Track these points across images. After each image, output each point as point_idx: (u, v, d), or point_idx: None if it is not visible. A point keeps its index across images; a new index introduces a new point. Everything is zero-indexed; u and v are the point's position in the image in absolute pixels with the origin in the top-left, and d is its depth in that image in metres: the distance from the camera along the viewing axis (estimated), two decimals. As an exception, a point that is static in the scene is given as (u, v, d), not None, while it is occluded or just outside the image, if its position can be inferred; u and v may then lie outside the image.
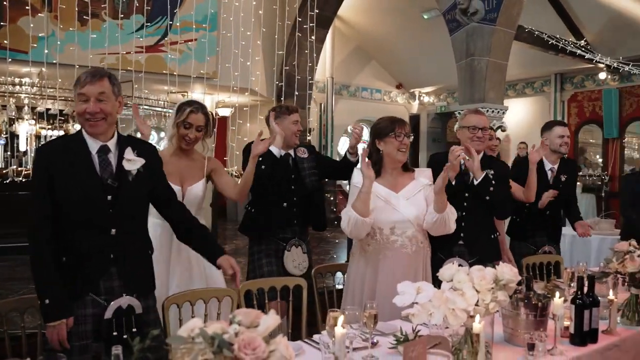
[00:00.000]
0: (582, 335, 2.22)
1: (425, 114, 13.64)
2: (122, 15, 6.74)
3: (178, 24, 7.69)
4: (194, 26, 7.84)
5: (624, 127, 10.10)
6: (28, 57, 6.11)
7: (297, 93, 8.33)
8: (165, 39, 8.05)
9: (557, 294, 2.14)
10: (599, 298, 2.29)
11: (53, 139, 3.02)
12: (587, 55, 8.69)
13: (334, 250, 7.50)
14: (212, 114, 10.06)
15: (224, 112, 9.97)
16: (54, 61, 6.07)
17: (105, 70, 2.26)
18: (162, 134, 12.25)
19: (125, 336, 2.14)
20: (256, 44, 8.32)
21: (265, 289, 2.89)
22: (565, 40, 8.74)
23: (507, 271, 1.96)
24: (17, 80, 7.19)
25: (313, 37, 6.52)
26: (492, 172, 3.13)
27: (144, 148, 2.33)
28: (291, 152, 3.49)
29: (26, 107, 7.60)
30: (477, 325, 1.81)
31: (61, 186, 2.12)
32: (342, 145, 12.23)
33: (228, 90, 7.57)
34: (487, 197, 3.07)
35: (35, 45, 6.28)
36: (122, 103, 2.26)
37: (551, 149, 3.97)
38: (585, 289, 2.25)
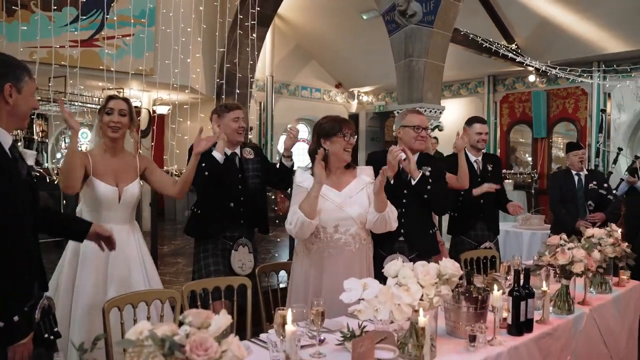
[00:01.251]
0: (519, 326, 2.32)
1: (364, 114, 13.82)
2: (54, 7, 6.44)
3: (114, 18, 7.44)
4: (132, 21, 7.62)
5: (551, 128, 10.59)
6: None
7: (237, 91, 8.25)
8: (101, 33, 7.77)
9: (496, 287, 2.23)
10: (534, 290, 2.41)
11: None
12: (518, 59, 9.06)
13: (275, 249, 7.50)
14: (149, 111, 9.74)
15: (162, 109, 9.74)
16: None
17: None
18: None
19: (51, 337, 2.08)
20: (196, 41, 8.17)
21: (210, 289, 2.87)
22: (498, 44, 9.08)
23: (450, 266, 2.03)
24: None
25: (254, 35, 6.47)
26: (429, 169, 3.22)
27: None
28: (237, 151, 3.47)
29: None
30: (423, 319, 1.86)
31: None
32: (282, 144, 12.21)
33: (166, 87, 7.41)
34: (426, 196, 3.17)
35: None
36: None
37: (470, 144, 4.14)
38: (521, 282, 2.36)
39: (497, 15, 9.25)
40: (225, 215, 3.38)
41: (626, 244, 3.05)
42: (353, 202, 2.82)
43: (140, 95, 9.22)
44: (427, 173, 3.22)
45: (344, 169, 2.91)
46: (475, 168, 4.17)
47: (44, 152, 9.61)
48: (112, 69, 6.44)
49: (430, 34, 6.57)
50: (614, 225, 3.09)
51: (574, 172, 4.85)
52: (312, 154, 2.88)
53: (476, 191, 4.06)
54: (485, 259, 3.86)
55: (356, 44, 11.20)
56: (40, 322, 2.04)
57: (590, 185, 4.70)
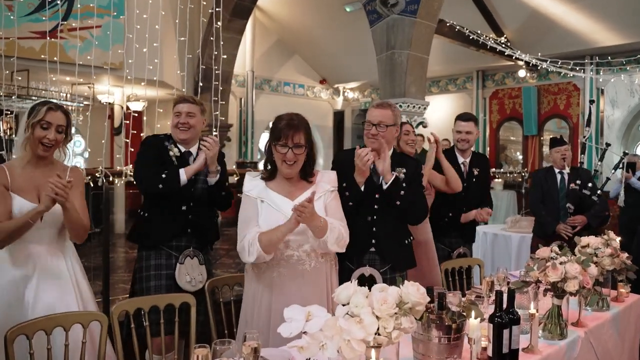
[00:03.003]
0: (502, 358, 1.93)
1: (349, 110, 13.44)
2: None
3: (78, 7, 6.99)
4: (96, 11, 7.16)
5: (542, 125, 10.26)
6: None
7: (219, 85, 7.82)
8: (67, 21, 7.31)
9: (473, 313, 1.83)
10: (519, 311, 2.02)
11: None
12: (507, 52, 8.70)
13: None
14: (122, 107, 9.29)
15: (136, 106, 9.29)
16: None
17: None
18: (72, 130, 11.36)
19: None
20: (169, 33, 7.74)
21: (146, 309, 2.45)
22: (486, 36, 8.72)
23: (414, 292, 1.63)
24: None
25: (219, 23, 6.05)
26: (404, 171, 2.79)
27: None
28: (193, 149, 3.06)
29: None
30: (375, 363, 1.46)
31: None
32: (263, 142, 11.82)
33: (138, 82, 6.98)
34: (398, 202, 2.70)
35: None
36: None
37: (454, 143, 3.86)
38: (504, 305, 1.97)
39: (485, 6, 8.91)
40: (170, 222, 2.97)
41: (626, 254, 2.66)
42: None
43: (111, 91, 8.77)
44: (402, 175, 2.78)
45: (298, 175, 2.48)
46: (463, 171, 3.82)
47: (12, 150, 9.18)
48: (80, 63, 5.98)
49: (413, 25, 6.23)
50: (611, 233, 2.70)
51: (556, 170, 4.45)
52: (266, 164, 2.51)
53: (464, 218, 3.80)
54: (470, 268, 3.47)
55: (341, 38, 10.83)
56: None
57: (571, 185, 4.30)
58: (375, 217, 2.73)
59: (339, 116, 13.40)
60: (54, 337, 2.18)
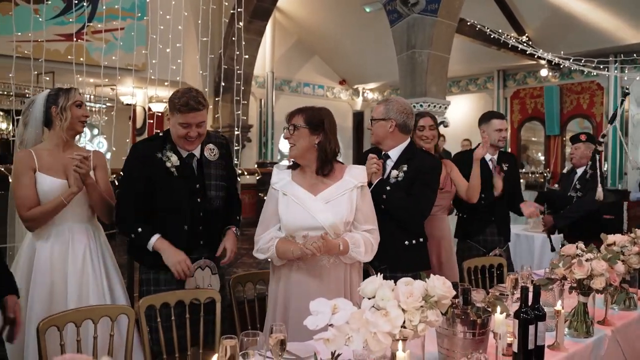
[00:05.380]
0: (527, 354, 1.92)
1: (369, 111, 13.42)
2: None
3: (103, 9, 7.10)
4: (121, 14, 7.27)
5: (565, 124, 10.14)
6: None
7: (240, 85, 7.87)
8: (90, 23, 7.44)
9: (499, 308, 1.83)
10: (544, 307, 2.01)
11: None
12: (529, 51, 8.61)
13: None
14: (144, 109, 9.43)
15: (158, 107, 9.40)
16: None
17: None
18: (95, 131, 11.57)
19: None
20: (190, 34, 7.83)
21: (172, 303, 2.47)
22: (507, 35, 8.65)
23: (439, 285, 1.63)
24: None
25: (241, 23, 6.10)
26: (405, 168, 2.78)
27: None
28: (197, 151, 2.67)
29: None
30: (401, 355, 1.46)
31: None
32: (284, 143, 11.84)
33: (160, 83, 7.07)
34: (382, 206, 2.68)
35: None
36: None
37: (490, 143, 3.77)
38: (530, 301, 1.96)
39: (506, 5, 8.84)
40: (180, 239, 2.60)
41: (654, 252, 2.62)
42: (328, 208, 2.37)
43: (135, 92, 8.89)
44: (402, 174, 2.77)
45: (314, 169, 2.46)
46: (491, 167, 3.80)
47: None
48: (106, 64, 6.08)
49: (434, 24, 6.19)
50: (639, 231, 2.66)
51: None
52: None
53: (496, 190, 3.73)
54: (492, 267, 3.45)
55: (360, 39, 10.82)
56: None
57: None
58: None
59: (358, 117, 13.39)
60: (83, 329, 2.24)
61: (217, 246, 2.73)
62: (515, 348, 1.91)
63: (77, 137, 2.83)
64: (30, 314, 2.50)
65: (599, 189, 4.39)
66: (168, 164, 2.57)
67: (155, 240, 2.54)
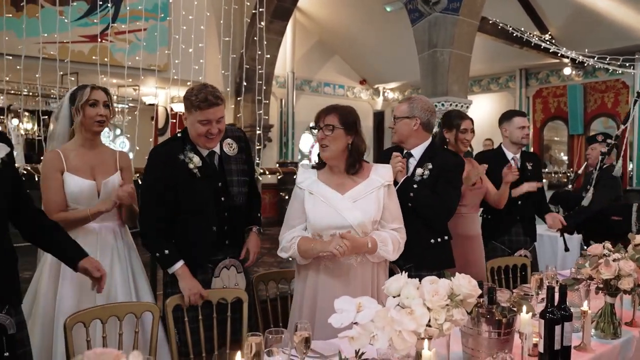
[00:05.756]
0: (554, 355, 1.89)
1: (389, 111, 13.37)
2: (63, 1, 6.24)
3: (127, 10, 7.19)
4: (144, 15, 7.36)
5: (588, 124, 10.00)
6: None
7: (262, 85, 7.92)
8: (113, 24, 7.54)
9: (525, 308, 1.81)
10: (570, 308, 1.98)
11: None
12: (552, 49, 8.50)
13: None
14: (166, 109, 9.49)
15: (179, 107, 9.49)
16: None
17: None
18: (118, 131, 11.70)
19: None
20: (212, 35, 7.89)
21: (199, 303, 2.48)
22: (530, 34, 8.55)
23: (465, 284, 1.62)
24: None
25: (263, 23, 6.12)
26: (430, 167, 2.76)
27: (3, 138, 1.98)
28: (216, 148, 2.61)
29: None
30: (427, 354, 1.46)
31: None
32: (304, 143, 11.87)
33: (182, 84, 7.14)
34: (409, 204, 2.67)
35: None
36: None
37: (511, 141, 3.74)
38: (556, 301, 1.93)
39: (528, 3, 8.74)
40: (204, 241, 2.57)
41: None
42: (355, 207, 2.36)
43: (157, 92, 9.00)
44: (427, 172, 2.76)
45: (343, 167, 2.46)
46: (513, 166, 3.73)
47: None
48: (129, 65, 6.17)
49: (455, 23, 6.16)
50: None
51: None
52: (318, 154, 2.52)
53: (515, 192, 3.66)
54: (516, 267, 3.41)
55: (381, 38, 10.79)
56: None
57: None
58: None
59: (379, 117, 13.35)
60: (108, 326, 2.27)
61: (241, 244, 2.72)
62: (541, 348, 1.89)
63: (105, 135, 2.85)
64: (58, 312, 2.52)
65: (589, 193, 4.36)
66: (191, 166, 2.51)
67: (179, 266, 2.50)
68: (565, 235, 4.34)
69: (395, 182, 2.68)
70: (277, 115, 11.08)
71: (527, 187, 3.66)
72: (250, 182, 2.76)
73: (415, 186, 2.72)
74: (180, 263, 2.50)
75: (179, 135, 2.60)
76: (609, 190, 4.59)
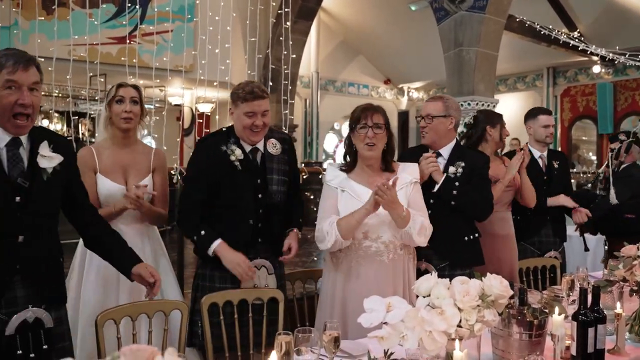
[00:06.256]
0: (586, 358, 1.86)
1: (414, 110, 13.32)
2: (92, 4, 6.35)
3: (152, 14, 7.29)
4: (170, 17, 7.45)
5: (618, 123, 9.82)
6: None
7: (288, 85, 7.94)
8: (140, 26, 7.64)
9: (557, 309, 1.78)
10: (604, 312, 1.94)
11: None
12: (581, 46, 8.36)
13: (318, 251, 7.12)
14: (192, 109, 9.60)
15: (205, 107, 9.58)
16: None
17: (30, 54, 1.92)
18: (144, 132, 11.81)
19: (32, 355, 1.85)
20: (237, 36, 7.94)
21: (235, 302, 2.44)
22: (558, 31, 8.42)
23: (496, 285, 1.60)
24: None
25: (289, 23, 6.14)
26: (463, 164, 2.74)
27: (59, 142, 2.00)
28: (260, 145, 2.61)
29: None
30: (458, 354, 1.44)
31: None
32: (328, 143, 11.88)
33: (208, 84, 7.21)
34: (453, 202, 2.67)
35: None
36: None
37: (535, 139, 3.69)
38: (589, 303, 1.90)
39: (557, 1, 8.58)
40: (239, 236, 2.56)
41: None
42: None
43: (183, 93, 9.10)
44: (460, 169, 2.73)
45: (379, 166, 2.48)
46: (540, 165, 3.70)
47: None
48: (157, 66, 6.25)
49: (482, 21, 6.10)
50: None
51: None
52: (345, 155, 2.52)
53: (551, 202, 3.62)
54: (545, 269, 3.36)
55: (405, 38, 10.75)
56: (17, 336, 1.83)
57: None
58: (430, 212, 2.62)
59: (403, 116, 13.30)
60: (138, 323, 2.30)
61: (274, 246, 2.66)
62: (573, 351, 1.86)
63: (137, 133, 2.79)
64: (82, 307, 2.57)
65: (612, 191, 4.25)
66: (232, 158, 2.51)
67: (217, 245, 2.47)
68: (585, 235, 4.28)
69: (430, 182, 2.67)
70: (302, 115, 11.11)
71: (564, 200, 3.63)
72: (290, 184, 2.71)
73: (457, 184, 2.70)
74: (219, 241, 2.47)
75: (224, 129, 2.64)
76: (629, 184, 4.48)
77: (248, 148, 2.57)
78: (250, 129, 2.49)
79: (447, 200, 2.64)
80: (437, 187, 2.66)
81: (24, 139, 1.89)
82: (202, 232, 2.50)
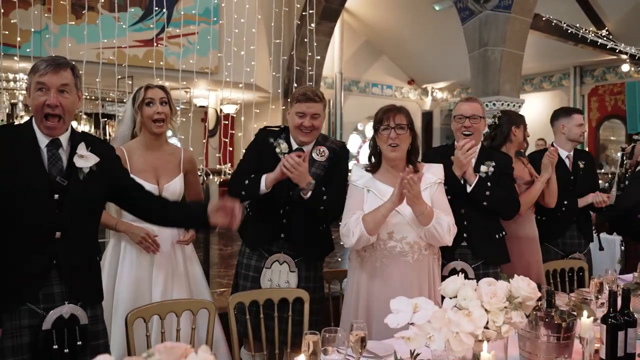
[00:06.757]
0: (616, 362, 1.84)
1: (438, 111, 13.24)
2: (120, 8, 6.47)
3: (178, 17, 7.38)
4: (197, 19, 7.54)
5: (648, 122, 9.63)
6: (23, 52, 5.84)
7: (312, 86, 7.98)
8: (167, 29, 7.75)
9: (586, 312, 1.77)
10: (635, 316, 1.92)
11: None
12: (610, 45, 8.21)
13: (342, 251, 7.12)
14: (216, 110, 9.69)
15: (229, 109, 9.67)
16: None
17: (67, 59, 2.01)
18: (169, 133, 11.96)
19: (66, 350, 1.91)
20: (262, 38, 7.99)
21: (261, 302, 2.47)
22: (586, 30, 8.29)
23: (524, 286, 1.60)
24: (10, 76, 6.96)
25: (313, 25, 6.17)
26: (493, 164, 2.77)
27: (99, 145, 2.08)
28: (307, 148, 2.74)
29: (20, 104, 7.39)
30: (486, 356, 1.44)
31: (2, 181, 1.87)
32: (352, 143, 11.87)
33: (233, 86, 7.27)
34: (485, 203, 2.69)
35: (19, 38, 6.02)
36: (81, 97, 2.04)
37: (568, 138, 3.64)
38: (619, 306, 1.88)
39: (584, -2, 8.47)
40: (264, 224, 2.75)
41: None
42: None
43: (207, 95, 9.19)
44: (491, 169, 2.77)
45: (404, 166, 2.49)
46: (567, 164, 3.66)
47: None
48: (183, 68, 6.34)
49: (507, 20, 6.05)
50: None
51: None
52: (370, 156, 2.54)
53: (581, 202, 3.59)
54: (572, 271, 3.32)
55: (429, 38, 10.70)
56: (53, 331, 1.90)
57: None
58: (464, 212, 2.70)
59: (427, 117, 13.23)
60: (167, 321, 2.34)
61: (298, 245, 2.74)
62: (603, 354, 1.84)
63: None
64: (116, 304, 2.62)
65: (613, 190, 4.16)
66: (277, 150, 2.70)
67: (263, 179, 2.60)
68: (601, 235, 4.23)
69: (450, 178, 2.68)
70: (325, 116, 11.14)
71: (593, 198, 3.58)
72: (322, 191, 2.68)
73: (489, 184, 2.72)
74: (264, 176, 2.61)
75: (282, 126, 2.85)
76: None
77: (295, 146, 2.73)
78: (299, 128, 2.65)
79: (480, 201, 2.68)
80: (470, 188, 2.69)
81: (64, 140, 1.97)
82: (247, 181, 2.65)
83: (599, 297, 2.41)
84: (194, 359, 0.97)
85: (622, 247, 4.18)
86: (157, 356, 0.98)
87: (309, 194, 2.57)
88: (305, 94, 2.64)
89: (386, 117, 2.40)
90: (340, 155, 2.79)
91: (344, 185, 2.63)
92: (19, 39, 5.40)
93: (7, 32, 4.93)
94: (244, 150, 3.00)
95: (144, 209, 2.26)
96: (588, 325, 1.75)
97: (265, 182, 2.60)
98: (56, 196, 1.91)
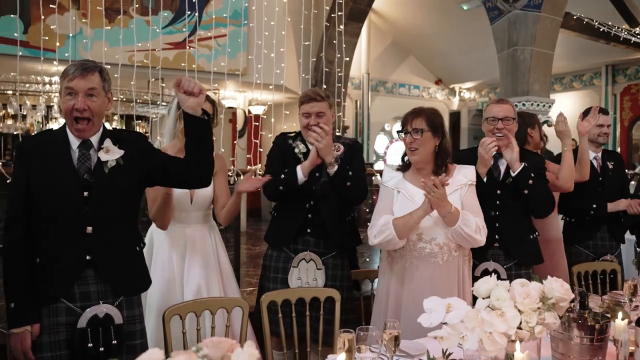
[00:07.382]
0: (651, 364, 1.84)
1: (466, 111, 13.14)
2: (151, 12, 6.60)
3: (209, 19, 7.50)
4: (228, 21, 7.63)
5: (682, 122, 9.42)
6: (61, 56, 6.01)
7: (341, 87, 7.98)
8: (196, 33, 7.87)
9: (620, 314, 1.77)
10: (669, 317, 1.91)
11: (35, 133, 2.86)
12: (644, 43, 8.06)
13: (369, 252, 7.14)
14: (244, 112, 9.80)
15: (257, 110, 9.76)
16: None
17: (96, 63, 2.07)
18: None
19: (101, 349, 1.97)
20: (290, 39, 8.05)
21: (292, 300, 2.52)
22: (618, 28, 8.13)
23: (557, 287, 1.61)
24: (47, 79, 7.15)
25: (342, 27, 6.20)
26: (525, 164, 2.78)
27: (128, 137, 2.12)
28: None
29: (56, 106, 7.58)
30: (520, 356, 1.46)
31: (37, 182, 1.97)
32: (379, 144, 11.87)
33: (261, 87, 7.35)
34: (526, 191, 2.71)
35: (58, 43, 6.19)
36: (112, 99, 2.10)
37: (589, 139, 3.60)
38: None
39: (617, -5, 8.31)
40: (290, 221, 2.84)
41: None
42: None
43: (236, 96, 9.30)
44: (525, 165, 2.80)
45: (431, 167, 2.51)
46: (595, 165, 3.63)
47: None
48: (213, 70, 6.42)
49: (537, 20, 5.98)
50: None
51: None
52: (403, 156, 2.58)
53: (611, 207, 3.57)
54: (604, 273, 3.29)
55: (456, 38, 10.63)
56: (88, 330, 1.96)
57: None
58: (497, 213, 2.74)
59: (454, 117, 13.15)
60: (202, 319, 2.40)
61: (323, 242, 2.82)
62: (638, 357, 1.84)
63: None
64: (149, 301, 2.68)
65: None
66: (296, 150, 2.85)
67: (299, 168, 2.73)
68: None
69: (491, 173, 2.75)
70: (353, 117, 11.16)
71: (625, 204, 3.56)
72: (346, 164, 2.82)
73: (531, 182, 2.73)
74: (298, 166, 2.74)
75: (298, 131, 2.97)
76: None
77: (311, 148, 2.79)
78: (306, 128, 2.77)
79: (522, 188, 2.70)
80: (514, 173, 2.72)
81: (94, 141, 2.04)
82: (284, 174, 2.76)
83: (633, 299, 2.40)
84: (239, 354, 1.02)
85: (638, 248, 4.11)
86: (205, 350, 1.03)
87: (335, 167, 2.67)
88: (307, 94, 2.79)
89: (405, 121, 2.46)
90: (354, 148, 2.94)
91: (363, 170, 2.89)
92: (57, 43, 5.54)
93: (47, 38, 5.05)
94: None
95: (181, 179, 2.19)
96: (622, 327, 1.75)
97: (302, 170, 2.73)
98: (85, 193, 1.97)
